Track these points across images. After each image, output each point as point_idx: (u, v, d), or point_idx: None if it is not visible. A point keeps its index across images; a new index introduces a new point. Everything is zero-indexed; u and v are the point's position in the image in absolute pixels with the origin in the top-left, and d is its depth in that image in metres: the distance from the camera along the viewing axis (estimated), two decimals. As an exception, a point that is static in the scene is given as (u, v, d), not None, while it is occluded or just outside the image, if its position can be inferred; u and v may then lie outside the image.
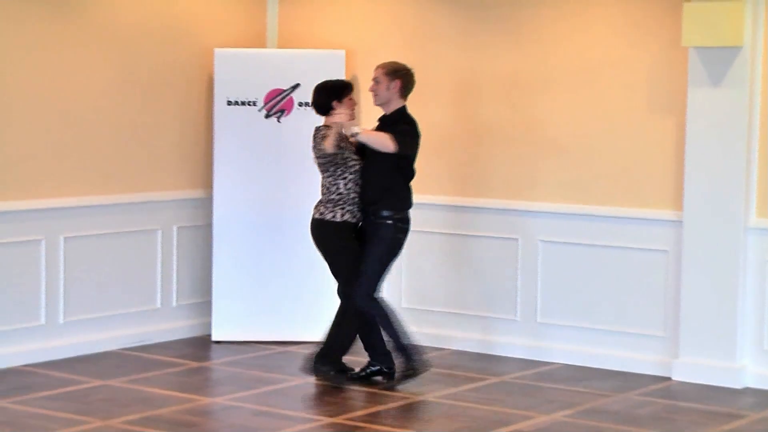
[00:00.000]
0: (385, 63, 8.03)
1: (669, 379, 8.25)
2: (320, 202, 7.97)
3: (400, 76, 7.94)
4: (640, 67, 8.40)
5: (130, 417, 7.12)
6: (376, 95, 7.96)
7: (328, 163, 7.87)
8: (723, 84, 8.02)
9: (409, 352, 7.96)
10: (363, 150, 7.93)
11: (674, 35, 8.17)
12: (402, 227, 7.96)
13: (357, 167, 7.90)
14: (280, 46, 9.69)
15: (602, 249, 8.55)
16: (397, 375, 8.00)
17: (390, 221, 7.91)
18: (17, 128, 8.25)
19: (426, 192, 9.08)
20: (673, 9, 8.18)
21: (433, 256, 9.15)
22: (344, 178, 7.89)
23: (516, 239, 8.84)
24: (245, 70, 9.12)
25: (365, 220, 7.97)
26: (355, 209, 7.92)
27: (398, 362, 7.99)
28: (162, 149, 9.08)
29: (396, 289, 9.25)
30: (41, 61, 8.35)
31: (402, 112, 7.98)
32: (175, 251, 9.18)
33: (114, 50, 8.75)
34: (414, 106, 8.74)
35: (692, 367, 8.18)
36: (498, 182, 8.90)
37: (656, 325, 8.41)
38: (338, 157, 7.84)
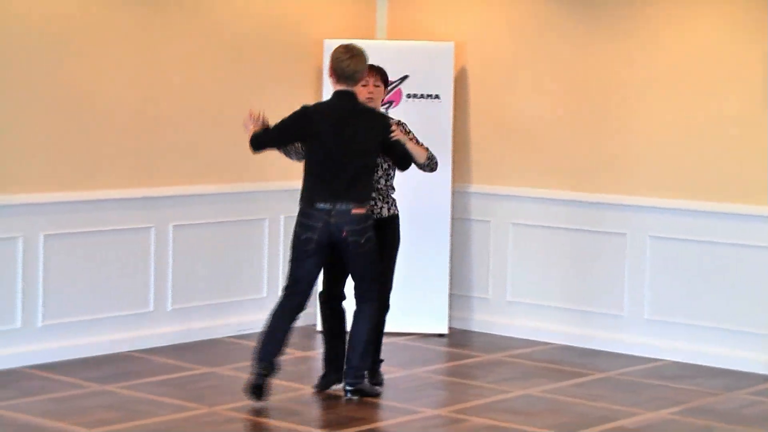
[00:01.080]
0: None
1: (779, 378, 8.15)
2: None
3: (331, 59, 7.06)
4: (754, 62, 8.26)
5: (236, 404, 7.18)
6: None
7: None
8: (840, 79, 7.89)
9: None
10: None
11: (790, 29, 8.05)
12: (298, 220, 7.21)
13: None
14: (389, 38, 9.69)
15: (712, 245, 8.42)
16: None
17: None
18: (128, 119, 8.35)
19: (535, 185, 9.04)
20: (789, 2, 8.06)
21: (540, 250, 9.09)
22: None
23: (624, 234, 8.75)
24: (354, 61, 9.12)
25: None
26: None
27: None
28: (270, 139, 9.14)
29: (501, 282, 9.22)
30: (149, 55, 8.44)
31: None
32: (281, 240, 9.23)
33: (223, 42, 8.82)
34: (522, 99, 8.68)
35: (803, 367, 8.07)
36: (607, 177, 8.81)
37: (767, 323, 8.27)
38: None
